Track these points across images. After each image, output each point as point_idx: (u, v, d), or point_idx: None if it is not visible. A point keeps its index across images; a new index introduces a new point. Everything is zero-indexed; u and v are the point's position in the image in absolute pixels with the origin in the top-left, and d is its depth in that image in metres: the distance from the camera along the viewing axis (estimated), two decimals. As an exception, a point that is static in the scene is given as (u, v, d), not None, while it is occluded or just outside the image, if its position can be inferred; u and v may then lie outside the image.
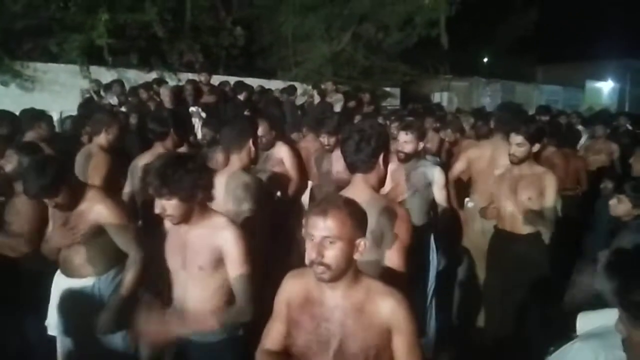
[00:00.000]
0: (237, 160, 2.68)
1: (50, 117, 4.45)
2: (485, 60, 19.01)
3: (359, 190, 2.00)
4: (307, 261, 1.50)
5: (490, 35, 16.93)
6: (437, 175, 3.22)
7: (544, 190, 3.05)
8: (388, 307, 1.50)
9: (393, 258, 1.90)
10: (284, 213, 3.39)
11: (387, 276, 1.85)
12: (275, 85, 9.29)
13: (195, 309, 2.02)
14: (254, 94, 7.58)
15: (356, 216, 1.50)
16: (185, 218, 1.94)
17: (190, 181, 1.88)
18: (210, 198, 2.00)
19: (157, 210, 1.91)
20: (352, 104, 9.01)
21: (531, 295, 2.96)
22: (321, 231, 1.46)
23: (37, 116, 4.14)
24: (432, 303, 3.13)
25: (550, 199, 3.05)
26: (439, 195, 3.23)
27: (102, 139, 3.46)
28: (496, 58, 18.42)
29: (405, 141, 3.14)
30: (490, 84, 14.52)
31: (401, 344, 1.52)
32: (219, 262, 1.98)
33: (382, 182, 2.09)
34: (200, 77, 7.06)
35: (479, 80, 14.55)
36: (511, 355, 2.99)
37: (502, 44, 17.44)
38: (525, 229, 3.10)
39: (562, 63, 19.11)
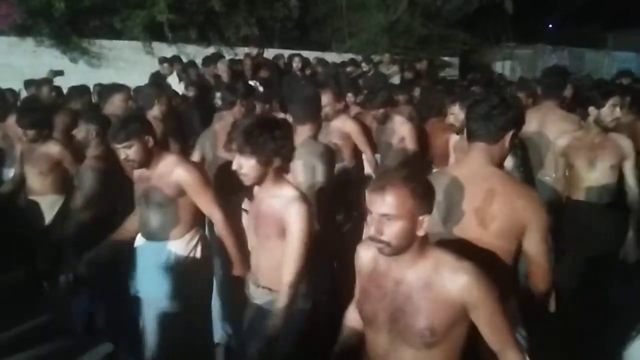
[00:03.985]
0: (308, 130, 2.66)
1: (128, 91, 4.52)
2: (551, 26, 17.91)
3: (476, 161, 1.84)
4: (366, 236, 1.50)
5: (556, -1, 15.89)
6: None
7: (625, 158, 2.92)
8: (460, 284, 1.45)
9: (531, 249, 1.77)
10: (345, 186, 3.40)
11: (532, 266, 1.79)
12: (330, 57, 9.18)
13: (265, 274, 2.08)
14: (309, 66, 7.58)
15: (419, 192, 1.44)
16: (258, 181, 1.99)
17: (273, 146, 1.92)
18: (287, 169, 2.02)
19: (234, 166, 1.98)
20: (408, 75, 8.82)
21: (609, 269, 2.83)
22: (379, 208, 1.43)
23: (114, 90, 4.24)
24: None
25: (631, 165, 2.92)
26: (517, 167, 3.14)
27: (155, 111, 3.58)
28: (563, 24, 17.30)
29: (453, 114, 3.13)
30: (557, 51, 13.67)
31: (483, 320, 1.49)
32: (284, 232, 1.99)
33: (502, 161, 1.90)
34: (253, 52, 7.15)
35: (544, 48, 13.68)
36: (586, 333, 2.87)
37: (570, 8, 16.32)
38: (604, 200, 2.96)
39: (635, 28, 17.68)
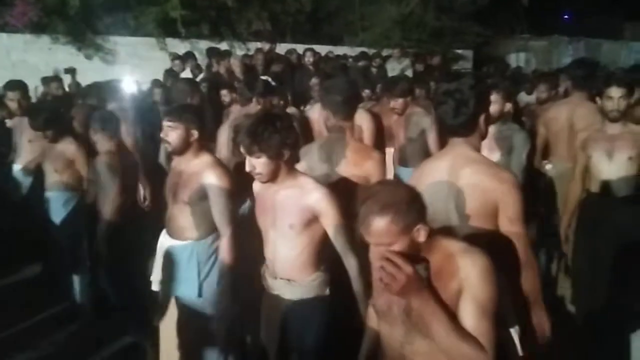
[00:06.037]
0: (347, 127, 2.53)
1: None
2: (567, 17, 17.61)
3: (460, 153, 1.91)
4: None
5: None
6: (521, 140, 3.09)
7: None
8: (462, 267, 1.43)
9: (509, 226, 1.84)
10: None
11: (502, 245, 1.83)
12: (342, 51, 9.15)
13: (284, 266, 2.11)
14: (321, 60, 7.54)
15: (402, 213, 1.39)
16: (273, 177, 2.04)
17: (278, 139, 1.97)
18: (297, 158, 2.05)
19: (247, 169, 2.02)
20: (419, 67, 8.76)
21: (628, 266, 2.78)
22: (370, 239, 1.43)
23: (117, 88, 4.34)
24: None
25: None
26: (522, 160, 3.11)
27: None
28: (579, 14, 17.01)
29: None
30: (573, 42, 13.43)
31: (468, 307, 1.41)
32: (309, 221, 2.06)
33: (483, 139, 1.98)
34: (265, 47, 7.15)
35: (559, 39, 13.45)
36: (602, 333, 2.83)
37: (586, -2, 16.03)
38: (623, 192, 2.92)
39: (655, 17, 17.27)
